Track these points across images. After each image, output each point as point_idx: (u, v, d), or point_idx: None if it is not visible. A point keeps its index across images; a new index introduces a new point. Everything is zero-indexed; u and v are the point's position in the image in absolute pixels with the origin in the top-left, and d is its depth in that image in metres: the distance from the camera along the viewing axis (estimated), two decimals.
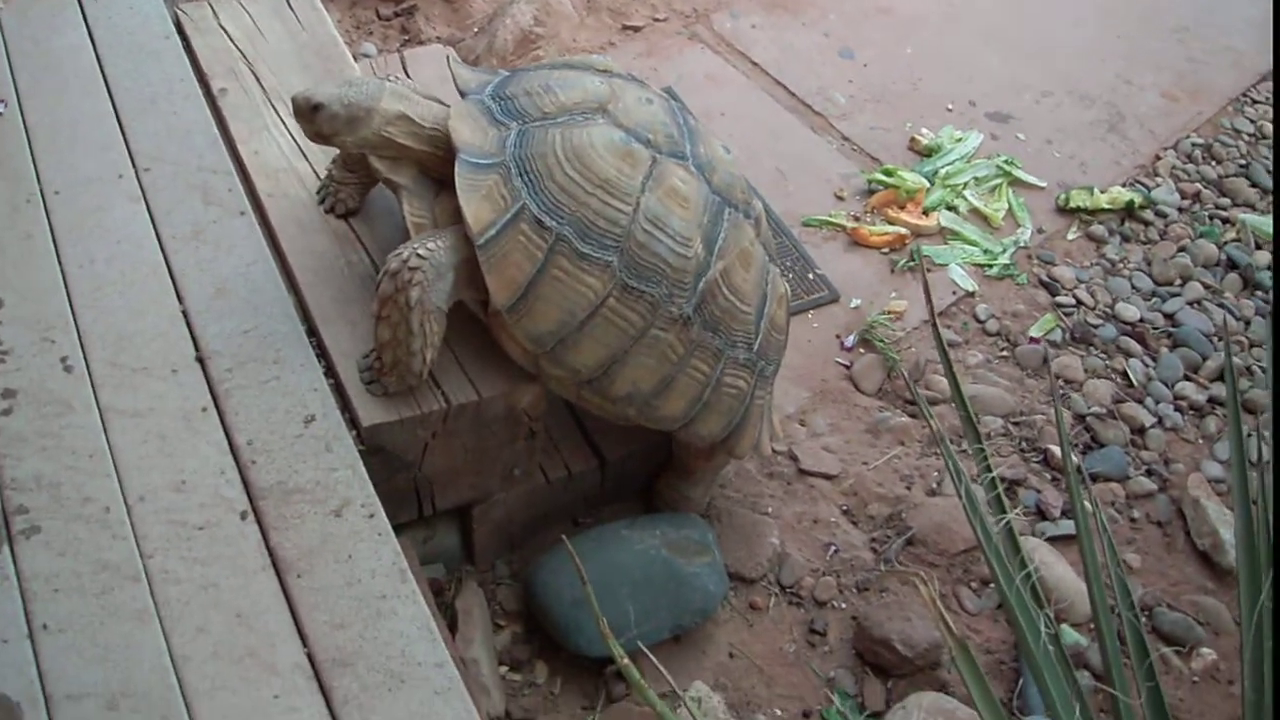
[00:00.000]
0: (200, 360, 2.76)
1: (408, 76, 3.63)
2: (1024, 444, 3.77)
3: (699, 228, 2.77)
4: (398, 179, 2.84)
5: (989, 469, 2.44)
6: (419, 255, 2.61)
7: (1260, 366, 4.13)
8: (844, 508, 3.53)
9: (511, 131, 2.74)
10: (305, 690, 2.27)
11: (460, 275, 2.70)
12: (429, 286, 2.60)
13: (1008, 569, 2.27)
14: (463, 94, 2.88)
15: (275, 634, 2.33)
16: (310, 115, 2.77)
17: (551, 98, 2.79)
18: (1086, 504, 2.53)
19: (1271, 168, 4.91)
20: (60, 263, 2.93)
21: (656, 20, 5.31)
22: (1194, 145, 5.02)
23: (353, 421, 2.71)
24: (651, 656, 2.19)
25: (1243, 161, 4.98)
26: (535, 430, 2.98)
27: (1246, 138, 5.10)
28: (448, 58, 3.09)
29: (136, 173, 3.16)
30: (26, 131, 3.24)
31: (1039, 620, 2.20)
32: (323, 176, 3.19)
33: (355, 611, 2.38)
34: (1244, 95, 5.33)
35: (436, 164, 2.83)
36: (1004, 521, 2.31)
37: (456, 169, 2.67)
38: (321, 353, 2.82)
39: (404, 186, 2.84)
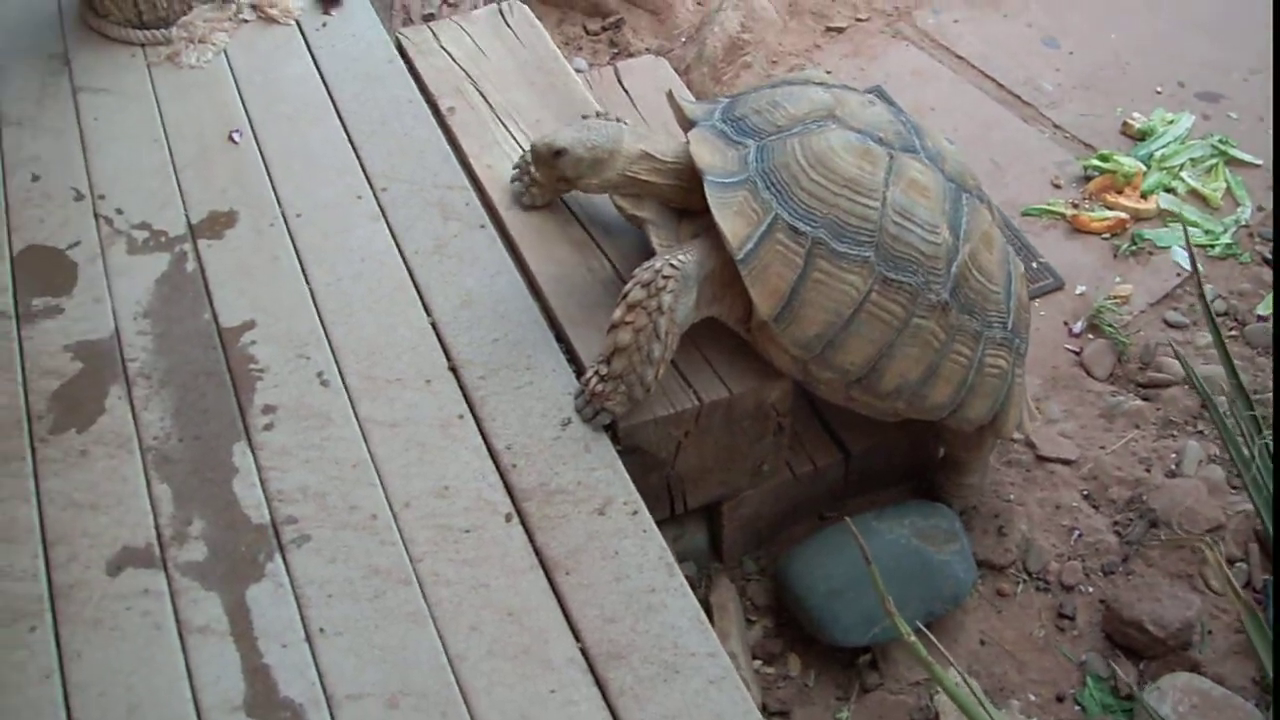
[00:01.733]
0: (453, 369, 2.82)
1: (624, 90, 3.69)
2: (1260, 422, 3.69)
3: (943, 214, 2.78)
4: (642, 214, 2.92)
5: (1262, 433, 2.38)
6: (672, 265, 2.64)
7: None
8: (1085, 492, 3.49)
9: (750, 148, 2.78)
10: (581, 684, 2.30)
11: (704, 292, 2.74)
12: (679, 295, 2.63)
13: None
14: (690, 124, 2.91)
15: (547, 630, 2.37)
16: (553, 160, 2.83)
17: (781, 111, 2.83)
18: None
19: (1273, 168, 4.78)
20: (308, 282, 3.02)
21: (859, 20, 5.31)
22: None
23: (608, 423, 2.74)
24: (930, 634, 2.18)
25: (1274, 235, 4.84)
26: (783, 425, 2.99)
27: None
28: (670, 91, 3.12)
29: (374, 192, 3.24)
30: (263, 159, 3.35)
31: None
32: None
33: (625, 605, 2.41)
34: None
35: (678, 195, 2.89)
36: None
37: (706, 190, 2.70)
38: (571, 357, 2.86)
39: (648, 220, 2.90)
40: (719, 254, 2.72)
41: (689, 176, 2.81)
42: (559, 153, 2.81)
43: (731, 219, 2.67)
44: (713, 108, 2.95)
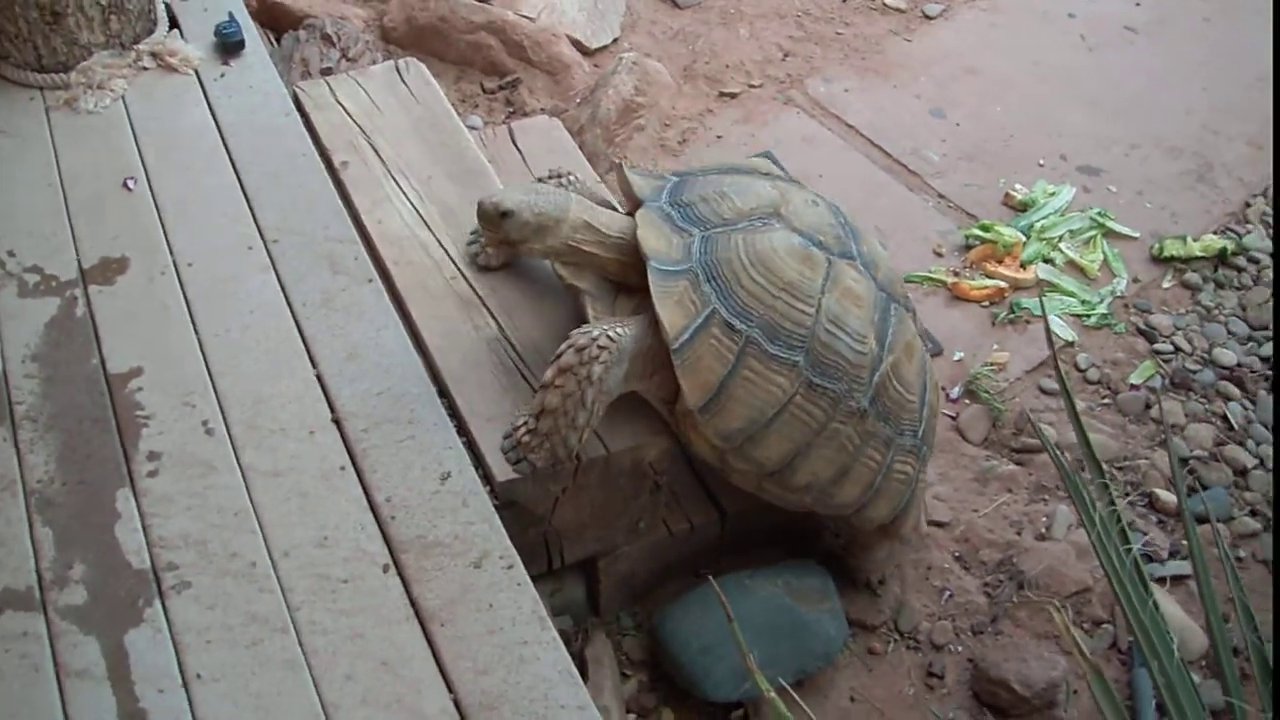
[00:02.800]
0: (336, 421, 2.86)
1: (516, 147, 3.75)
2: (1129, 488, 3.81)
3: (872, 324, 2.87)
4: (580, 284, 2.97)
5: (1112, 502, 2.47)
6: (609, 336, 2.70)
7: None
8: (956, 554, 3.58)
9: (695, 238, 2.85)
10: None
11: (634, 368, 2.80)
12: (610, 367, 2.69)
13: (1128, 594, 2.30)
14: (638, 201, 2.97)
15: (421, 680, 2.41)
16: (498, 221, 2.85)
17: (728, 204, 2.90)
18: (1199, 541, 2.57)
19: (1272, 184, 4.95)
20: (196, 330, 3.04)
21: (752, 87, 5.40)
22: None
23: (486, 478, 2.78)
24: (795, 695, 2.23)
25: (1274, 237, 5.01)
26: (660, 484, 3.05)
27: None
28: (620, 165, 3.18)
29: (265, 243, 3.27)
30: (157, 206, 3.37)
31: (1168, 639, 2.23)
32: (457, 239, 3.30)
33: (498, 658, 2.45)
34: None
35: (618, 269, 2.95)
36: (1131, 552, 2.35)
37: (649, 276, 2.76)
38: (453, 413, 2.91)
39: (586, 291, 2.96)
40: (654, 335, 2.78)
41: (631, 253, 2.87)
42: (505, 214, 2.83)
43: (671, 308, 2.74)
44: (661, 186, 3.01)
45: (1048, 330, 2.78)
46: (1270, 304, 4.49)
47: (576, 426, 2.70)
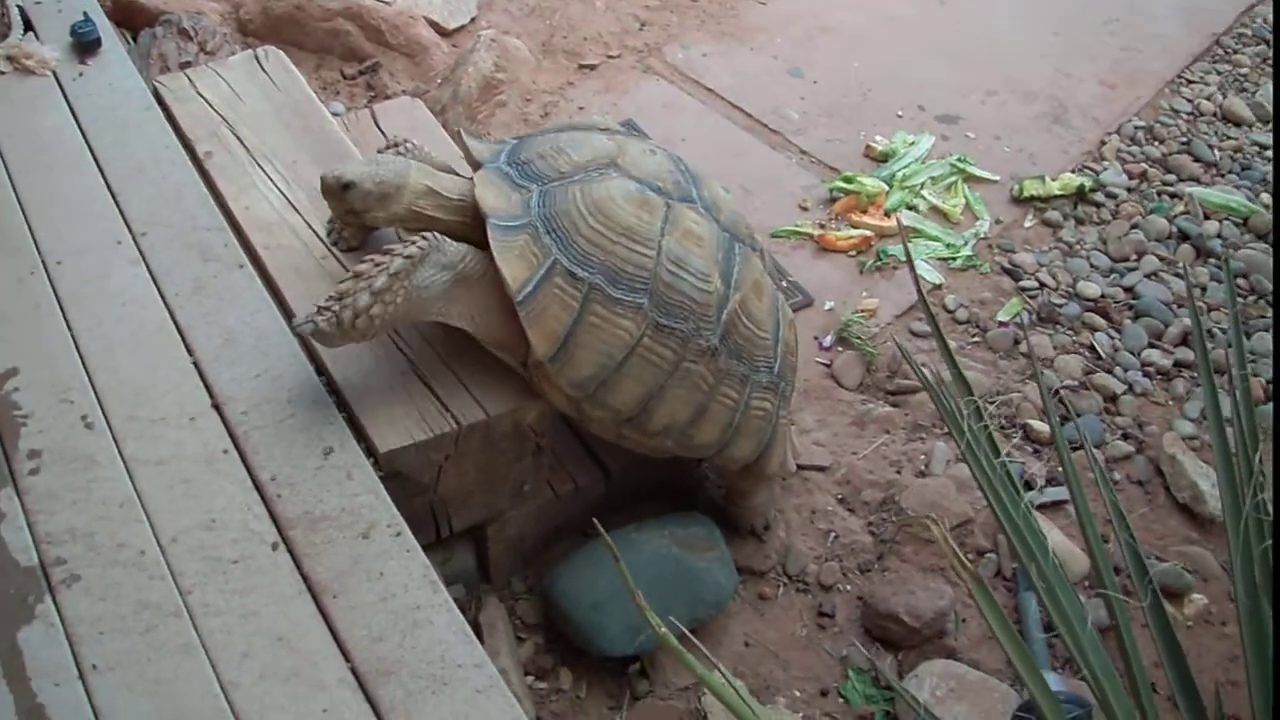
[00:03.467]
0: (216, 406, 2.86)
1: (380, 130, 3.76)
2: (1003, 421, 3.91)
3: (716, 264, 2.91)
4: None
5: (986, 425, 2.54)
6: (433, 234, 2.74)
7: (1220, 328, 4.29)
8: (839, 496, 3.66)
9: (533, 193, 2.87)
10: (352, 702, 2.36)
11: (458, 295, 2.80)
12: (424, 262, 2.69)
13: (1003, 501, 2.37)
14: (478, 164, 3.00)
15: (318, 652, 2.43)
16: (340, 193, 2.90)
17: (564, 158, 2.93)
18: (1074, 465, 2.64)
19: (1273, 168, 5.09)
20: (70, 328, 3.02)
21: (610, 58, 5.46)
22: (1136, 128, 5.22)
23: (369, 450, 2.81)
24: (694, 640, 2.27)
25: (1184, 139, 5.17)
26: (542, 446, 3.09)
27: (1185, 116, 5.31)
28: (459, 132, 3.22)
29: (134, 238, 3.26)
30: (22, 207, 3.34)
31: (1047, 548, 2.30)
32: (326, 220, 3.31)
33: (392, 624, 2.48)
34: (1178, 77, 5.55)
35: (463, 232, 2.93)
36: (1004, 465, 2.41)
37: (489, 233, 2.79)
38: (332, 389, 2.93)
39: None
40: (485, 266, 2.80)
41: (473, 215, 2.88)
42: (347, 185, 2.88)
43: (513, 261, 2.76)
44: (499, 149, 3.04)
45: (913, 270, 2.84)
46: (1129, 236, 4.61)
47: (373, 291, 2.63)
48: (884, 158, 4.92)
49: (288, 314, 3.09)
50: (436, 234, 2.76)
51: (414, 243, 2.70)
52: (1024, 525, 2.30)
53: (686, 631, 2.17)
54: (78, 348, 2.99)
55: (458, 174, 3.08)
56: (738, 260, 2.99)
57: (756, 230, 4.35)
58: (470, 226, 2.91)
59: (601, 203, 2.83)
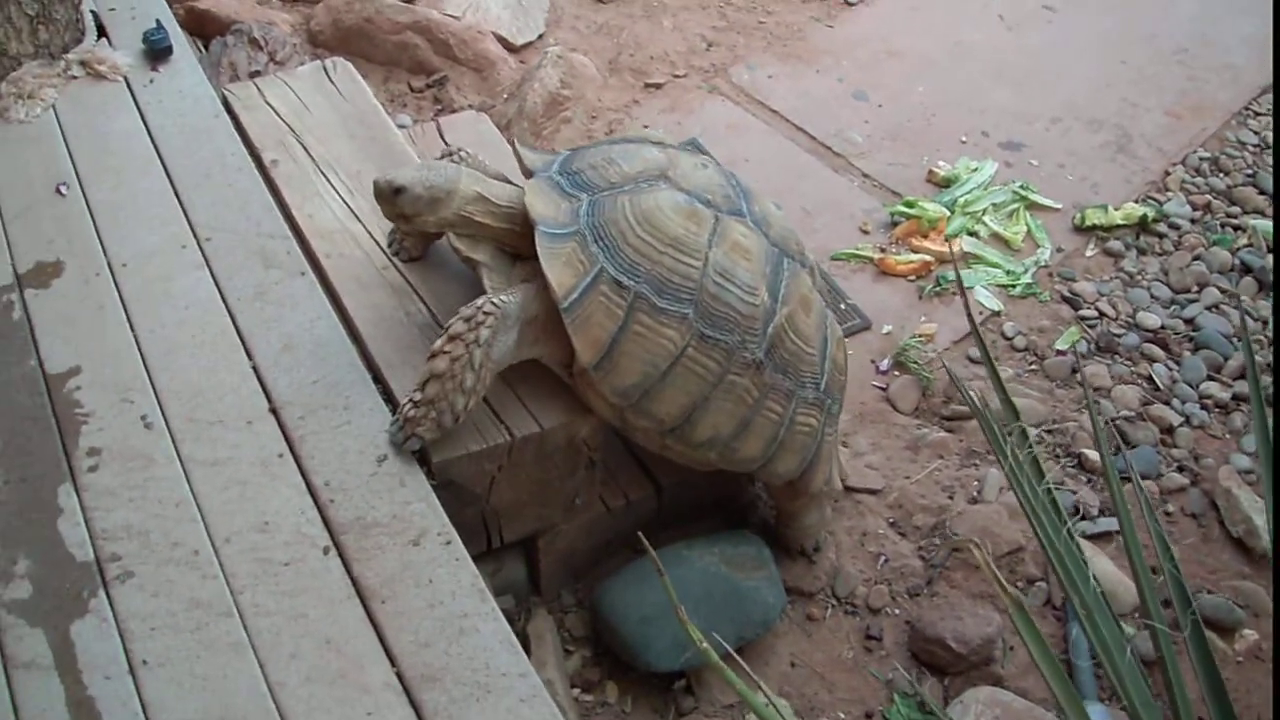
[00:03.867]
0: (273, 411, 2.91)
1: (445, 143, 3.80)
2: (1058, 450, 3.90)
3: (763, 277, 2.93)
4: (476, 256, 3.00)
5: (1032, 452, 2.53)
6: (494, 303, 2.76)
7: None
8: (891, 520, 3.66)
9: (583, 202, 2.91)
10: (397, 705, 2.39)
11: (525, 335, 2.86)
12: (497, 332, 2.75)
13: (1045, 528, 2.36)
14: (530, 173, 3.04)
15: (364, 656, 2.46)
16: (392, 198, 2.92)
17: (615, 169, 2.97)
18: (1126, 497, 2.62)
19: (1273, 173, 5.06)
20: (133, 329, 3.08)
21: (676, 77, 5.50)
22: (1201, 159, 5.18)
23: (423, 459, 2.84)
24: (737, 657, 2.27)
25: (1249, 171, 5.13)
26: (595, 460, 3.11)
27: (1251, 148, 5.26)
28: (512, 141, 3.26)
29: (198, 242, 3.32)
30: (90, 211, 3.41)
31: (1091, 580, 2.29)
32: (388, 230, 3.34)
33: (439, 631, 2.50)
34: (1245, 109, 5.50)
35: (512, 239, 3.00)
36: (1050, 492, 2.41)
37: (537, 240, 2.82)
38: (388, 397, 2.96)
39: (482, 263, 2.99)
40: (544, 299, 2.83)
41: (523, 222, 2.91)
42: (399, 190, 2.90)
43: (559, 269, 2.79)
44: (552, 159, 3.08)
45: (964, 296, 2.83)
46: (1191, 268, 4.59)
47: (464, 390, 2.73)
48: (946, 183, 4.91)
49: (347, 321, 3.14)
50: (495, 299, 2.78)
51: (480, 324, 2.74)
52: (1065, 552, 2.29)
53: (731, 650, 2.19)
54: (140, 349, 3.04)
55: (511, 183, 3.11)
56: (786, 275, 3.00)
57: (814, 251, 4.39)
58: (520, 235, 2.95)
59: (650, 213, 2.85)
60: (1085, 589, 2.25)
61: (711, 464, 3.09)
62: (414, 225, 3.01)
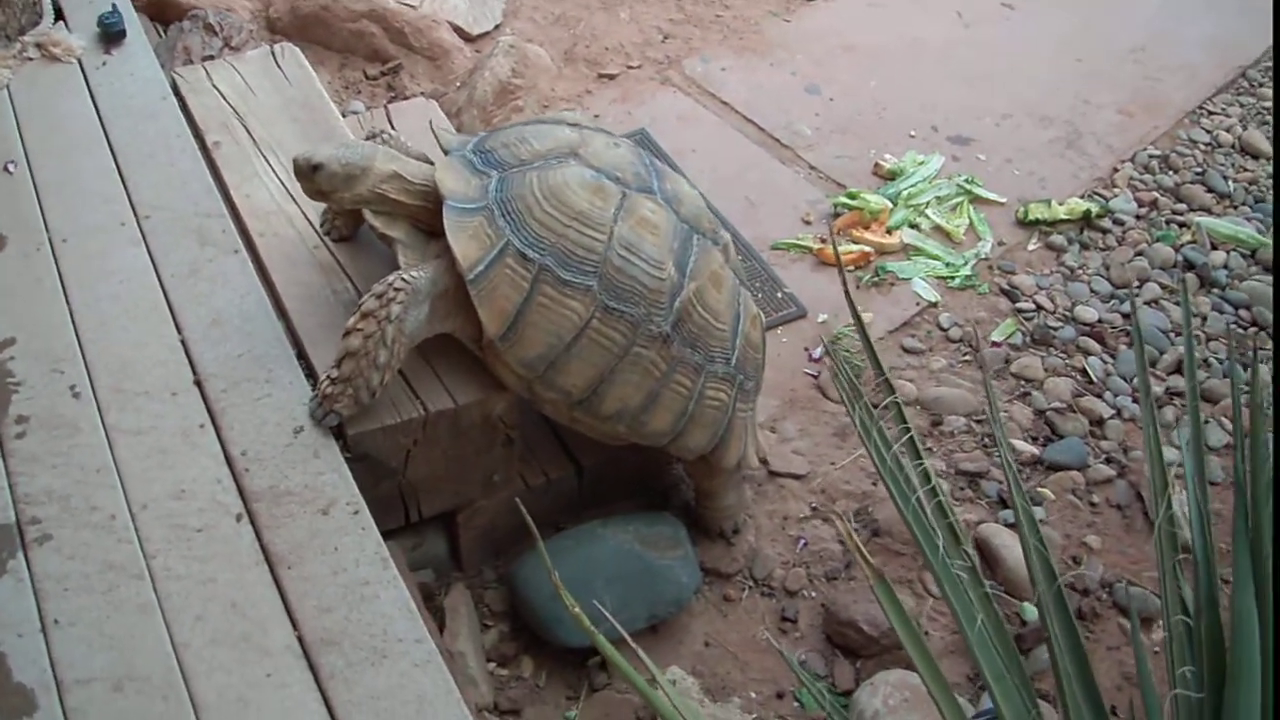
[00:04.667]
0: (198, 383, 2.99)
1: (393, 129, 3.87)
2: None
3: (670, 252, 3.00)
4: (392, 233, 3.08)
5: (911, 440, 2.60)
6: (404, 279, 2.84)
7: (1217, 358, 4.32)
8: (813, 505, 3.74)
9: (492, 179, 2.99)
10: (295, 668, 2.48)
11: (437, 309, 2.94)
12: (409, 307, 2.83)
13: (906, 497, 2.43)
14: (446, 152, 3.13)
15: (267, 620, 2.54)
16: (310, 174, 3.00)
17: (526, 147, 3.05)
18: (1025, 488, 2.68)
19: (1272, 179, 5.13)
20: (68, 302, 3.17)
21: (630, 68, 5.57)
22: (1151, 157, 5.26)
23: (339, 431, 2.92)
24: (630, 641, 2.34)
25: (1199, 169, 5.20)
26: (512, 437, 3.19)
27: (1203, 147, 5.34)
28: (430, 121, 3.35)
29: (138, 220, 3.40)
30: (35, 188, 3.49)
31: (937, 542, 2.35)
32: (322, 210, 3.43)
33: (341, 597, 2.59)
34: (1200, 108, 5.58)
35: (427, 217, 3.06)
36: (892, 452, 2.47)
37: (444, 214, 2.91)
38: (310, 372, 3.04)
39: (398, 240, 3.07)
40: (454, 274, 2.91)
41: (436, 200, 2.99)
42: (316, 167, 2.98)
43: (465, 242, 2.88)
44: (468, 140, 3.16)
45: (840, 270, 2.89)
46: (1133, 263, 4.67)
47: (378, 366, 2.82)
48: (892, 176, 4.99)
49: (275, 298, 3.23)
50: (405, 275, 2.86)
51: (390, 300, 2.82)
52: (914, 521, 2.37)
53: (626, 635, 2.27)
54: (73, 321, 3.13)
55: (431, 163, 3.18)
56: (695, 251, 3.07)
57: (755, 240, 4.48)
58: (434, 212, 3.02)
59: (557, 188, 2.93)
60: (934, 558, 2.32)
61: (622, 437, 3.16)
62: (332, 201, 3.09)
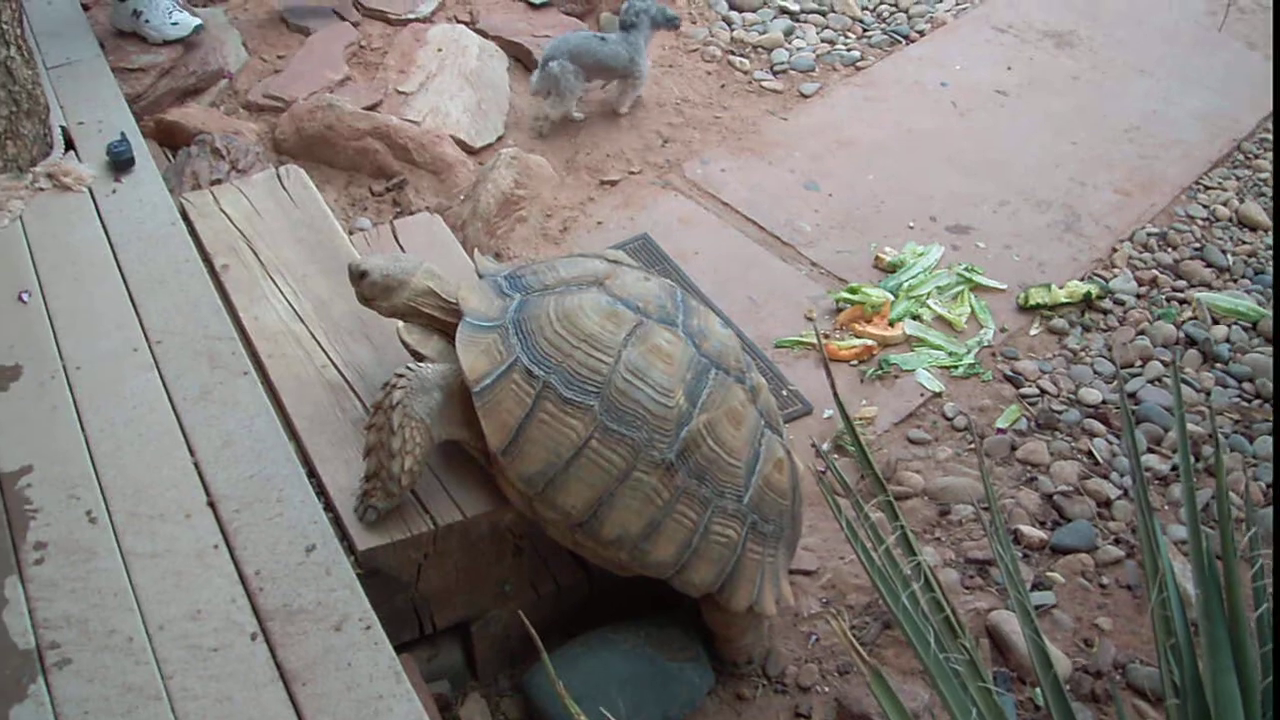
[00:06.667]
0: (211, 504, 3.06)
1: (399, 246, 3.97)
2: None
3: (682, 382, 3.02)
4: (425, 351, 3.19)
5: (905, 534, 2.65)
6: (406, 368, 2.99)
7: (1223, 432, 4.34)
8: (824, 600, 3.75)
9: (514, 301, 3.10)
10: None
11: (451, 411, 3.02)
12: (412, 394, 2.93)
13: (897, 595, 2.47)
14: (480, 277, 3.26)
15: None
16: (357, 280, 3.23)
17: (554, 274, 3.16)
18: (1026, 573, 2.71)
19: (1272, 186, 5.17)
20: (83, 428, 3.24)
21: (632, 173, 5.65)
22: (1149, 235, 5.30)
23: (350, 548, 2.99)
24: None
25: (1197, 245, 5.25)
26: (522, 547, 3.24)
27: (1200, 222, 5.38)
28: (475, 251, 3.46)
29: (149, 345, 3.48)
30: (49, 316, 3.58)
31: (928, 637, 2.40)
32: (329, 329, 3.58)
33: (355, 712, 2.63)
34: (1196, 184, 5.64)
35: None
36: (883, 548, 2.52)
37: (459, 329, 3.03)
38: (321, 490, 3.12)
39: (429, 358, 3.16)
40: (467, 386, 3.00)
41: None
42: (362, 274, 3.21)
43: (474, 356, 2.97)
44: (503, 267, 3.29)
45: (828, 373, 2.94)
46: (1135, 342, 4.71)
47: (394, 453, 2.91)
48: (892, 268, 5.04)
49: (285, 418, 3.31)
50: (407, 365, 3.01)
51: (393, 387, 2.95)
52: (903, 616, 2.41)
53: None
54: (89, 447, 3.20)
55: None
56: (711, 384, 3.07)
57: (759, 339, 4.52)
58: None
59: (570, 311, 3.01)
60: (925, 653, 2.36)
61: (625, 566, 3.13)
62: (373, 308, 3.27)
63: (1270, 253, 5.20)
